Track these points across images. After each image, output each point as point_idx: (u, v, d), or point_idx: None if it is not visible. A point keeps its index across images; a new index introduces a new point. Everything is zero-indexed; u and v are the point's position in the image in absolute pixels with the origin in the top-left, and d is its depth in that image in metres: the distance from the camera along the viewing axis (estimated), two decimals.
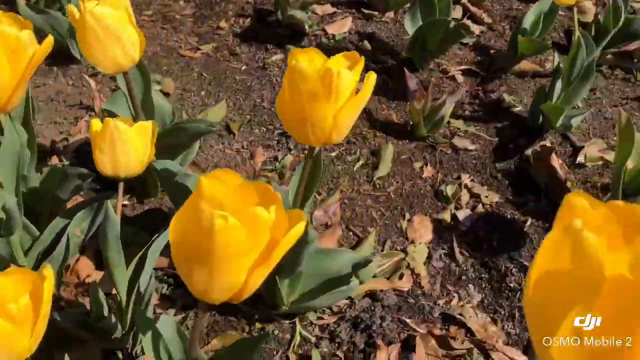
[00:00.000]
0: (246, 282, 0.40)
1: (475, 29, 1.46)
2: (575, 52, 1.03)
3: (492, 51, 1.36)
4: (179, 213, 0.40)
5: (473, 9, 1.51)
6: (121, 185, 0.75)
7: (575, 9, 0.99)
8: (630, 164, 0.96)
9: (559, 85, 1.10)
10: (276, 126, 1.20)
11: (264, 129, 1.19)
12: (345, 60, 0.61)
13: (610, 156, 1.10)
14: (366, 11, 1.51)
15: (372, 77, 0.60)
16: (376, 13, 1.51)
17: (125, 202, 1.01)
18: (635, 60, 1.36)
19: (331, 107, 0.58)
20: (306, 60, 0.59)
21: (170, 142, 0.88)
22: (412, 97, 1.11)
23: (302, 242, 0.70)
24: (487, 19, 1.48)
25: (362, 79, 0.60)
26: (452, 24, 1.19)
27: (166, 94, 1.26)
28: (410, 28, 1.27)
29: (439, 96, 1.22)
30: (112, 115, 0.91)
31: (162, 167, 0.80)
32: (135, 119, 0.87)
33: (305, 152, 1.13)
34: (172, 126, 0.89)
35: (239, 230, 0.37)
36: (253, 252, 0.39)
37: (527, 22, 1.28)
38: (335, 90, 0.57)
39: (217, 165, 1.12)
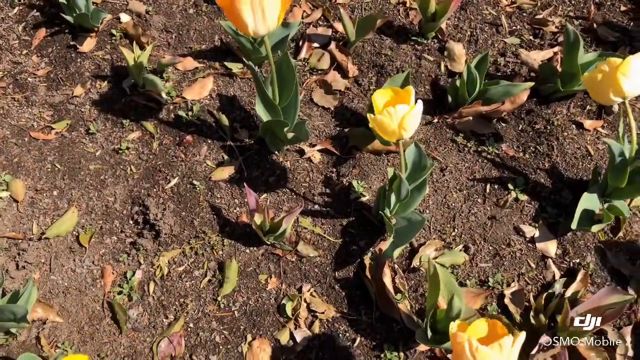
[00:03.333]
0: None
1: (340, 85, 1.42)
2: (399, 186, 1.04)
3: (346, 129, 1.34)
4: None
5: (340, 56, 1.46)
6: None
7: (400, 144, 0.98)
8: (442, 304, 1.03)
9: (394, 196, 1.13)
10: (127, 233, 1.21)
11: (115, 239, 1.21)
12: None
13: (444, 259, 1.16)
14: (229, 65, 1.44)
15: None
16: (240, 67, 1.45)
17: None
18: (495, 120, 1.36)
19: None
20: None
21: None
22: (252, 214, 1.13)
23: None
24: (354, 70, 1.44)
25: None
26: (289, 136, 1.17)
27: (16, 201, 1.24)
28: (262, 114, 1.23)
29: (292, 187, 1.24)
30: None
31: None
32: None
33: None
34: None
35: None
36: None
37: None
38: None
39: (67, 290, 1.14)
